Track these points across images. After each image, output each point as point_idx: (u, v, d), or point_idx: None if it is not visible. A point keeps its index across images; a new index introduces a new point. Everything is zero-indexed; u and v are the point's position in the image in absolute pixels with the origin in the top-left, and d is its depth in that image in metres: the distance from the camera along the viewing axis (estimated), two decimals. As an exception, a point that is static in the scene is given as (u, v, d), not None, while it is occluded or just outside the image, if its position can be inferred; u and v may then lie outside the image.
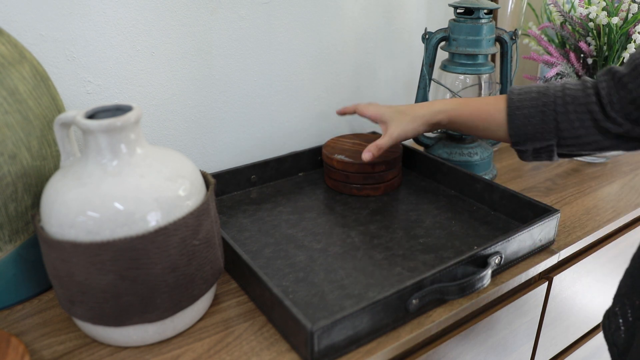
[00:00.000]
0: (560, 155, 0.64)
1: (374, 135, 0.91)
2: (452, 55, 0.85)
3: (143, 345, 0.51)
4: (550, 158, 0.63)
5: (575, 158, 0.63)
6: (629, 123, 0.56)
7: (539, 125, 0.60)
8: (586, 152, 0.61)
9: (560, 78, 0.90)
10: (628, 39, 0.85)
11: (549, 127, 0.60)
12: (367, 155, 0.70)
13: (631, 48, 0.84)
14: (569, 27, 0.91)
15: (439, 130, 0.91)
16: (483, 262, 0.58)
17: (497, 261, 0.59)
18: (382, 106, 0.74)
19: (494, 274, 0.61)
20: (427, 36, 0.85)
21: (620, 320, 0.54)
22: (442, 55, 0.90)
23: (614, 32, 0.85)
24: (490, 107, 0.65)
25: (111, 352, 0.51)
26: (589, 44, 0.88)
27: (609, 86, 0.57)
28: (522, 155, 0.64)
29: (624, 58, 0.86)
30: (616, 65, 0.57)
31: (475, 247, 0.63)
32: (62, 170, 0.49)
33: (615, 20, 0.83)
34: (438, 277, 0.54)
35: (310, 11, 0.87)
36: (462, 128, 0.68)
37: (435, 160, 0.84)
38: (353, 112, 0.78)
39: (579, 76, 0.91)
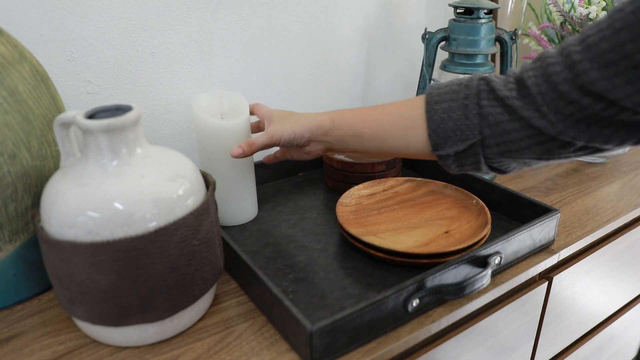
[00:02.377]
0: (490, 166, 0.53)
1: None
2: (452, 55, 0.85)
3: (143, 345, 0.51)
4: (476, 165, 0.53)
5: (509, 171, 0.54)
6: (561, 122, 0.46)
7: (460, 120, 0.50)
8: (519, 157, 0.51)
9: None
10: (628, 39, 0.85)
11: (471, 123, 0.50)
12: (236, 150, 0.63)
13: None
14: (569, 27, 0.91)
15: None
16: (483, 262, 0.58)
17: (497, 261, 0.59)
18: (273, 109, 0.68)
19: (494, 274, 0.61)
20: (427, 36, 0.86)
21: None
22: (442, 55, 0.90)
23: (614, 32, 0.85)
24: (395, 107, 0.56)
25: (111, 352, 0.51)
26: (589, 44, 0.88)
27: (536, 75, 0.47)
28: (444, 162, 0.54)
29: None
30: (549, 51, 0.47)
31: (475, 247, 0.63)
32: (62, 170, 0.50)
33: (615, 20, 0.83)
34: (438, 277, 0.54)
35: (310, 11, 0.87)
36: (355, 140, 0.58)
37: (435, 160, 0.83)
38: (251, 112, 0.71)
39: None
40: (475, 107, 0.50)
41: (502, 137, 0.49)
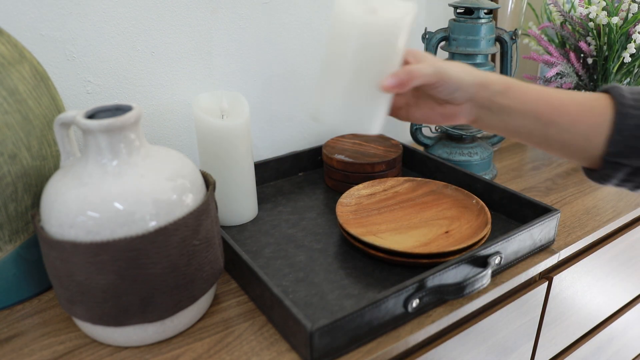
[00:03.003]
0: None
1: (374, 136, 0.91)
2: (452, 55, 0.85)
3: (143, 345, 0.51)
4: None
5: None
6: None
7: None
8: None
9: (560, 78, 0.90)
10: (628, 38, 0.85)
11: None
12: (389, 80, 0.46)
13: (631, 48, 0.84)
14: (569, 27, 0.91)
15: (438, 130, 0.92)
16: (483, 262, 0.58)
17: (497, 261, 0.59)
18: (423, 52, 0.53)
19: (494, 274, 0.61)
20: (427, 36, 0.86)
21: None
22: (442, 55, 0.90)
23: (614, 32, 0.85)
24: (586, 98, 0.47)
25: (111, 352, 0.51)
26: (589, 44, 0.88)
27: None
28: (611, 172, 0.46)
29: (623, 58, 0.86)
30: None
31: (475, 247, 0.63)
32: (62, 170, 0.50)
33: (615, 20, 0.83)
34: (438, 277, 0.54)
35: (310, 11, 0.87)
36: (524, 119, 0.48)
37: (435, 160, 0.84)
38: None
39: (579, 76, 0.91)
40: None
41: None
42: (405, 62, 0.50)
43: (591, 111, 0.46)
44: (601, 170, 0.47)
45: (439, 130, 0.91)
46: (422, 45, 1.04)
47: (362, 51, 0.43)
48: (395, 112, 0.54)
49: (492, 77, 0.50)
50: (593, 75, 0.91)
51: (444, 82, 0.48)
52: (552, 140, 0.48)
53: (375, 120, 0.46)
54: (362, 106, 0.45)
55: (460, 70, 0.49)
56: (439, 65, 0.48)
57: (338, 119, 0.44)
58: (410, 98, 0.53)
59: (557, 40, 0.95)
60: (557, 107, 0.47)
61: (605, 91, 0.48)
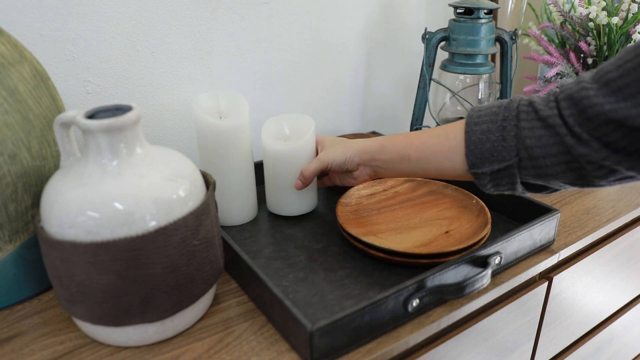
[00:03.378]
0: (526, 185, 0.54)
1: (374, 135, 0.91)
2: (452, 55, 0.85)
3: (143, 345, 0.51)
4: (512, 186, 0.54)
5: (544, 192, 0.56)
6: (603, 149, 0.46)
7: (497, 141, 0.52)
8: (554, 180, 0.51)
9: (560, 78, 0.90)
10: (628, 39, 0.85)
11: (508, 145, 0.51)
12: (297, 184, 0.69)
13: (631, 48, 0.84)
14: (569, 27, 0.91)
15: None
16: (483, 262, 0.58)
17: (497, 261, 0.59)
18: (325, 136, 0.72)
19: (494, 274, 0.61)
20: (427, 36, 0.86)
21: None
22: (442, 55, 0.90)
23: (614, 32, 0.85)
24: (440, 130, 0.58)
25: (111, 352, 0.51)
26: (589, 44, 0.88)
27: (567, 100, 0.48)
28: (480, 182, 0.55)
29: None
30: (585, 77, 0.48)
31: (475, 247, 0.63)
32: (62, 170, 0.50)
33: (615, 20, 0.83)
34: (438, 277, 0.54)
35: (310, 11, 0.87)
36: (402, 163, 0.60)
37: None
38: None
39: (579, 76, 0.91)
40: (514, 129, 0.51)
41: (538, 160, 0.50)
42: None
43: (447, 139, 0.56)
44: (475, 181, 0.56)
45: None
46: (422, 45, 1.04)
47: (278, 170, 0.71)
48: (326, 184, 0.75)
49: (369, 142, 0.64)
50: (593, 75, 0.91)
51: (332, 165, 0.66)
52: (428, 171, 0.59)
53: (305, 203, 0.74)
54: (292, 201, 0.73)
55: (341, 151, 0.65)
56: (322, 157, 0.67)
57: (281, 211, 0.74)
58: (333, 176, 0.72)
59: (557, 40, 0.95)
60: (419, 146, 0.59)
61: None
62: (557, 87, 0.51)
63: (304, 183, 0.68)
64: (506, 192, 0.55)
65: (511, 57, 0.87)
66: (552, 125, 0.48)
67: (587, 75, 0.48)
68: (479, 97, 0.90)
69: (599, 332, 0.88)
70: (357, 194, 0.74)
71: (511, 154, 0.51)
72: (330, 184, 0.73)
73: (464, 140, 0.54)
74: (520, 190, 0.54)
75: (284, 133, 0.74)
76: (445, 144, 0.57)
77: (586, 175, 0.49)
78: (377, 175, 0.65)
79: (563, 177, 0.50)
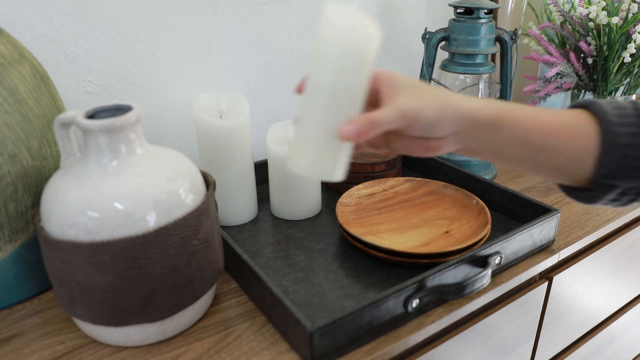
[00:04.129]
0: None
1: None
2: (452, 55, 0.85)
3: (143, 345, 0.51)
4: (634, 200, 0.43)
5: None
6: None
7: None
8: None
9: (560, 78, 0.90)
10: (628, 38, 0.85)
11: None
12: (348, 128, 0.40)
13: (631, 48, 0.84)
14: (569, 27, 0.91)
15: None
16: (483, 262, 0.58)
17: (497, 261, 0.59)
18: (394, 72, 0.45)
19: (494, 274, 0.61)
20: (427, 36, 0.86)
21: None
22: (442, 55, 0.90)
23: (614, 32, 0.85)
24: (573, 116, 0.43)
25: (111, 352, 0.51)
26: (589, 44, 0.88)
27: None
28: (598, 196, 0.43)
29: (623, 58, 0.86)
30: None
31: (475, 247, 0.63)
32: (62, 170, 0.50)
33: (615, 20, 0.83)
34: (438, 277, 0.54)
35: (310, 11, 0.87)
36: (515, 148, 0.44)
37: (435, 160, 0.84)
38: None
39: (578, 76, 0.91)
40: None
41: None
42: (376, 92, 0.44)
43: (579, 132, 0.42)
44: (590, 191, 0.44)
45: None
46: (422, 45, 1.04)
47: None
48: (374, 146, 0.48)
49: (479, 108, 0.43)
50: (593, 75, 0.91)
51: (415, 124, 0.42)
52: (544, 165, 0.44)
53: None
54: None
55: (436, 107, 0.42)
56: (407, 108, 0.41)
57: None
58: (393, 137, 0.46)
59: (557, 40, 0.95)
60: (548, 133, 0.43)
61: (583, 106, 0.45)
62: None
63: (363, 133, 0.40)
64: (611, 206, 0.45)
65: (511, 57, 0.87)
66: None
67: None
68: (479, 97, 0.90)
69: (599, 332, 0.88)
70: (357, 194, 0.74)
71: None
72: (385, 147, 0.47)
73: (600, 142, 0.41)
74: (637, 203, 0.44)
75: (289, 137, 0.74)
76: (579, 140, 0.42)
77: None
78: (465, 151, 0.46)
79: None
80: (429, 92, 0.43)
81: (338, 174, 0.43)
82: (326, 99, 0.41)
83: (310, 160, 0.42)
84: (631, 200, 0.43)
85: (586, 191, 0.44)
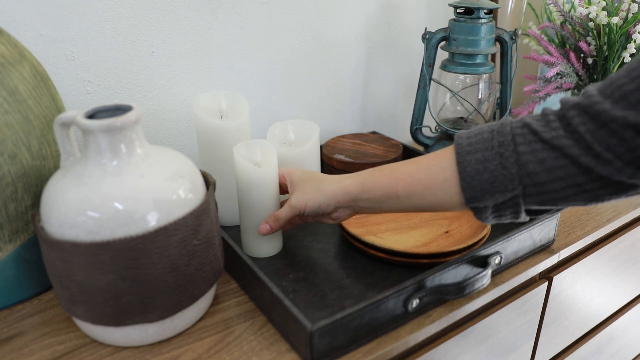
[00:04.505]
0: (530, 213, 0.50)
1: (374, 135, 0.91)
2: (452, 55, 0.85)
3: (143, 345, 0.51)
4: (516, 215, 0.49)
5: (547, 214, 0.53)
6: (626, 167, 0.42)
7: (497, 170, 0.46)
8: (562, 204, 0.47)
9: (560, 78, 0.90)
10: (628, 38, 0.85)
11: (510, 173, 0.46)
12: (264, 228, 0.60)
13: (631, 48, 0.84)
14: (569, 27, 0.91)
15: (438, 130, 0.92)
16: (483, 262, 0.58)
17: (497, 261, 0.59)
18: (294, 169, 0.62)
19: (494, 274, 0.61)
20: (427, 36, 0.86)
21: None
22: (442, 55, 0.90)
23: (614, 32, 0.85)
24: (429, 160, 0.52)
25: (111, 352, 0.51)
26: (589, 44, 0.88)
27: (581, 116, 0.43)
28: (481, 215, 0.50)
29: (623, 58, 0.86)
30: (588, 95, 0.43)
31: (475, 247, 0.63)
32: (62, 170, 0.49)
33: (615, 20, 0.83)
34: (438, 277, 0.54)
35: (310, 11, 0.87)
36: (389, 201, 0.53)
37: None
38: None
39: (578, 76, 0.91)
40: (512, 154, 0.45)
41: (545, 186, 0.45)
42: (283, 186, 0.64)
43: (440, 170, 0.50)
44: (475, 215, 0.51)
45: (439, 130, 0.91)
46: (422, 45, 1.04)
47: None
48: (294, 223, 0.64)
49: (346, 186, 0.55)
50: (593, 75, 0.91)
51: (305, 209, 0.58)
52: (421, 206, 0.53)
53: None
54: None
55: (314, 195, 0.57)
56: (295, 203, 0.58)
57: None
58: (297, 217, 0.62)
59: (557, 40, 0.95)
60: (408, 181, 0.52)
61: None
62: (547, 108, 0.46)
63: (273, 228, 0.60)
64: (507, 222, 0.51)
65: (511, 57, 0.87)
66: (558, 146, 0.43)
67: (592, 89, 0.44)
68: (479, 97, 0.90)
69: (599, 332, 0.88)
70: None
71: (514, 183, 0.46)
72: (303, 223, 0.64)
73: (457, 172, 0.49)
74: (522, 218, 0.49)
75: (289, 138, 0.74)
76: (439, 176, 0.50)
77: (602, 195, 0.45)
78: (360, 213, 0.59)
79: (574, 200, 0.46)
80: (312, 185, 0.58)
81: (273, 251, 0.66)
82: (245, 212, 0.63)
83: (251, 248, 0.65)
84: (514, 213, 0.49)
85: (473, 214, 0.51)
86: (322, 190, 0.57)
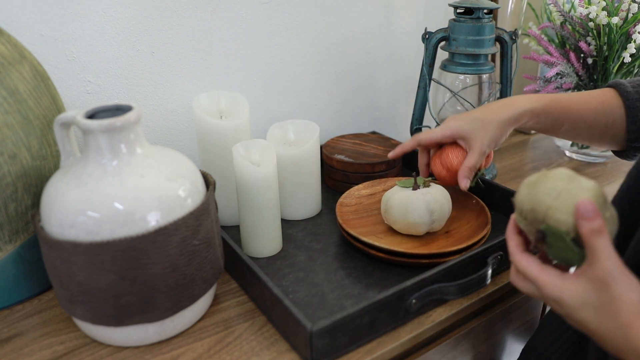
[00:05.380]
0: None
1: (374, 135, 0.91)
2: (452, 55, 0.85)
3: (143, 345, 0.51)
4: None
5: None
6: None
7: None
8: None
9: (560, 78, 0.90)
10: (628, 38, 0.85)
11: None
12: (464, 182, 0.63)
13: (631, 48, 0.84)
14: (569, 27, 0.91)
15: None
16: (483, 262, 0.58)
17: (497, 261, 0.59)
18: (451, 121, 0.65)
19: (494, 274, 0.61)
20: (427, 36, 0.86)
21: None
22: (442, 55, 0.90)
23: (614, 32, 0.85)
24: (595, 98, 0.62)
25: (111, 352, 0.51)
26: (589, 44, 0.88)
27: None
28: (634, 154, 0.62)
29: (623, 58, 0.86)
30: None
31: (475, 247, 0.63)
32: (62, 170, 0.50)
33: (615, 20, 0.83)
34: (438, 277, 0.54)
35: (310, 11, 0.87)
36: (557, 125, 0.63)
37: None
38: (413, 147, 0.69)
39: (579, 76, 0.91)
40: None
41: None
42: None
43: (607, 106, 0.61)
44: (628, 152, 0.63)
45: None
46: (422, 45, 1.04)
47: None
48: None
49: (524, 114, 0.63)
50: (593, 75, 0.91)
51: (496, 146, 0.67)
52: (582, 135, 0.64)
53: (310, 207, 0.73)
54: (297, 204, 0.71)
55: (500, 134, 0.64)
56: (482, 147, 0.64)
57: (285, 215, 0.71)
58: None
59: (557, 40, 0.95)
60: (578, 111, 0.62)
61: (610, 87, 0.62)
62: None
63: (471, 180, 0.65)
64: None
65: (511, 57, 0.87)
66: None
67: None
68: (479, 97, 0.90)
69: (599, 332, 0.88)
70: (357, 194, 0.74)
71: None
72: None
73: (625, 115, 0.60)
74: None
75: (289, 138, 0.74)
76: (609, 117, 0.61)
77: None
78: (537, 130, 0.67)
79: None
80: (489, 124, 0.63)
81: (273, 251, 0.66)
82: (244, 212, 0.64)
83: (251, 248, 0.66)
84: None
85: (625, 152, 0.63)
86: (501, 124, 0.63)
